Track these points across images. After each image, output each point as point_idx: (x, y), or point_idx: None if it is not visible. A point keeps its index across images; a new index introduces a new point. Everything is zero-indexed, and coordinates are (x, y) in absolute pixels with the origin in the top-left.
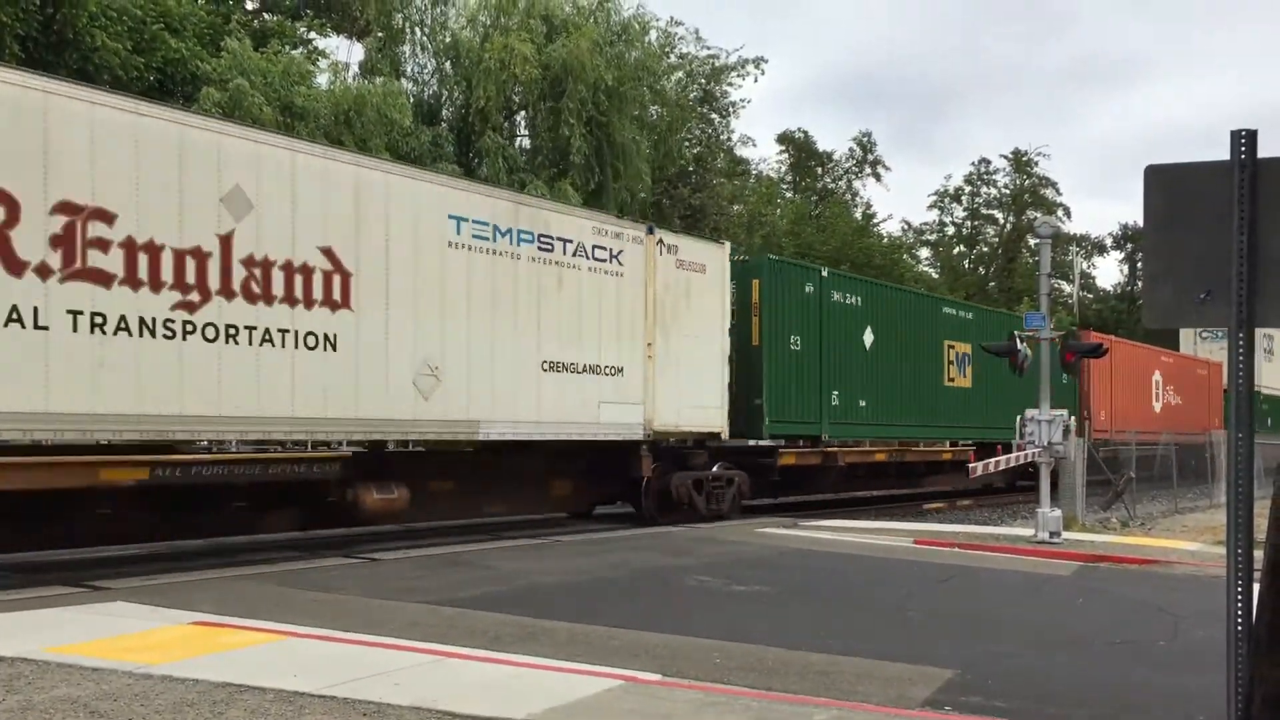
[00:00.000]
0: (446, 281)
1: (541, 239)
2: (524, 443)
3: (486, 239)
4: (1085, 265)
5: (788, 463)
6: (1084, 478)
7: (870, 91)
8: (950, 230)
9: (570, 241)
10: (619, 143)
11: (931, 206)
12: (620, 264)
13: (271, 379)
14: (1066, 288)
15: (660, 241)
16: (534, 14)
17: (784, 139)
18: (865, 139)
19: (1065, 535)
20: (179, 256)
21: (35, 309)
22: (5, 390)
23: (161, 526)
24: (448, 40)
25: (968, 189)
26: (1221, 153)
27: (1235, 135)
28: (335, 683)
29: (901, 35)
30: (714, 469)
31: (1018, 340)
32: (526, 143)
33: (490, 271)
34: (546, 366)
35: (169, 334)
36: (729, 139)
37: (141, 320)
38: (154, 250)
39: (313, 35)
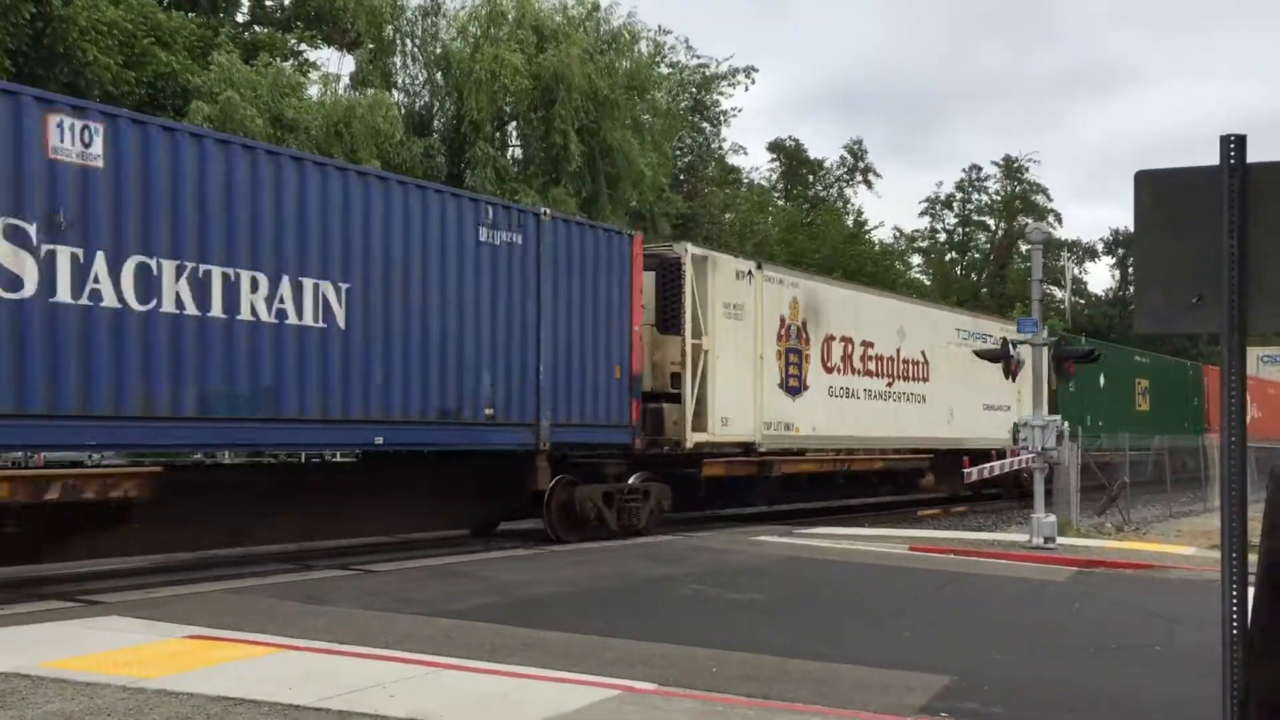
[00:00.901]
0: (952, 364)
1: (979, 335)
2: (952, 450)
3: (964, 338)
4: (1077, 270)
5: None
6: (1078, 483)
7: (862, 100)
8: (942, 237)
9: (991, 335)
10: (613, 150)
11: (923, 213)
12: None
13: (906, 419)
14: (1059, 293)
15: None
16: (524, 24)
17: (775, 147)
18: (856, 146)
19: (1060, 540)
20: (886, 360)
21: (849, 389)
22: (851, 428)
23: (846, 492)
24: (438, 51)
25: (959, 195)
26: (1211, 157)
27: (1224, 140)
28: (330, 695)
29: (893, 44)
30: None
31: (1010, 346)
32: (519, 152)
33: (965, 357)
34: (984, 407)
35: (883, 399)
36: (720, 147)
37: (876, 392)
38: (881, 359)
39: (303, 47)
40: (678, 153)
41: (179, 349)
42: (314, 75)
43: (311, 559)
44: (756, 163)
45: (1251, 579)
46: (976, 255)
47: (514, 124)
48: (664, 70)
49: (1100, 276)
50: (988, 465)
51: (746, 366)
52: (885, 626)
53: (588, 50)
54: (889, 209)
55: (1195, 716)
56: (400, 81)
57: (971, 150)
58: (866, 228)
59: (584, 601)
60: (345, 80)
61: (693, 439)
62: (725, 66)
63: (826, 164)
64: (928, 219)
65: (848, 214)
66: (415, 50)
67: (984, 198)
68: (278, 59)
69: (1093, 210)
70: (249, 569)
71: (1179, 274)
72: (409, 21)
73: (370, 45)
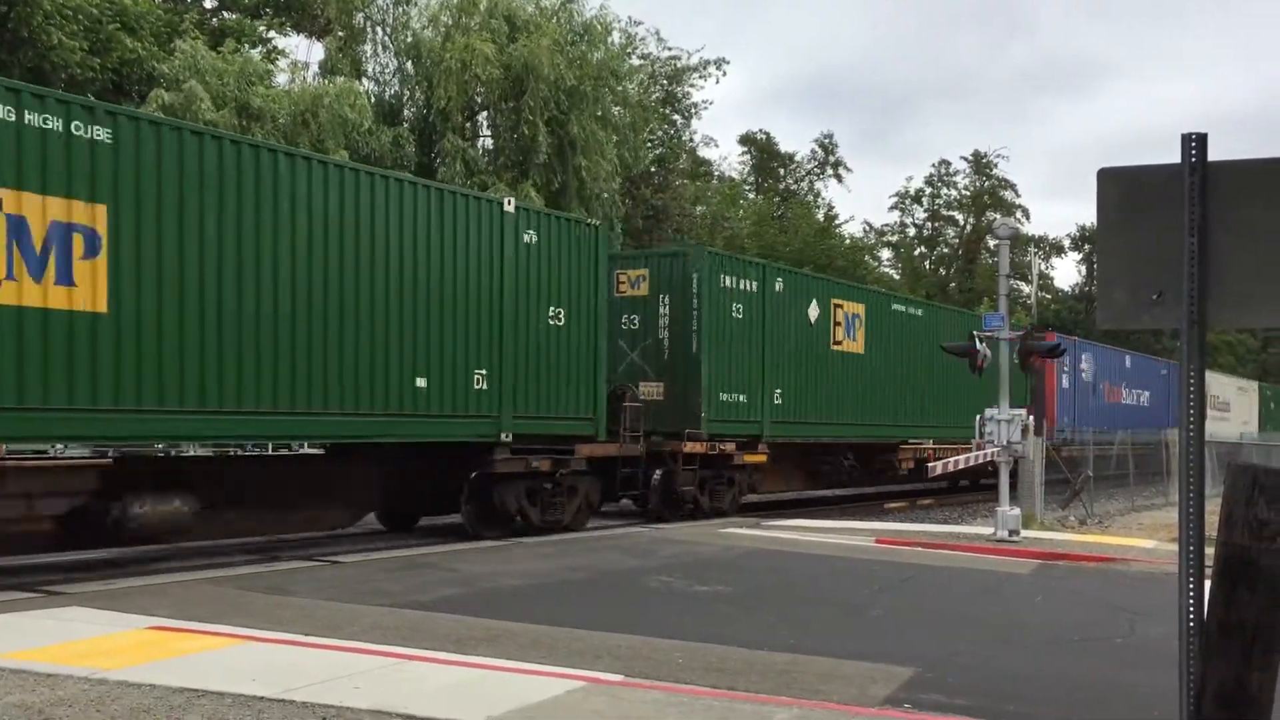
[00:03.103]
0: (1223, 392)
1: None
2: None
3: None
4: (1044, 266)
5: None
6: (1043, 476)
7: (834, 94)
8: (911, 231)
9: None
10: (581, 143)
11: (893, 208)
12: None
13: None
14: (1025, 288)
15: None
16: (496, 14)
17: (746, 140)
18: (827, 140)
19: (1024, 533)
20: (1220, 402)
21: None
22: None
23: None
24: (409, 40)
25: (928, 190)
26: (1175, 156)
27: (1186, 139)
28: (294, 686)
29: (866, 38)
30: None
31: (977, 340)
32: (489, 143)
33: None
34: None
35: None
36: (691, 140)
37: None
38: (1217, 400)
39: (272, 34)
40: (649, 144)
41: None
42: (282, 63)
43: (277, 550)
44: (727, 153)
45: (1209, 573)
46: (945, 250)
47: (484, 114)
48: (635, 62)
49: (1067, 272)
50: (952, 459)
51: None
52: (851, 619)
53: (559, 41)
54: (859, 203)
55: (1153, 707)
56: (370, 70)
57: (942, 144)
58: (837, 222)
59: (551, 593)
60: (314, 68)
61: None
62: (696, 58)
63: (797, 157)
64: (897, 213)
65: (818, 208)
66: (386, 39)
67: (953, 193)
68: (246, 46)
69: (1060, 206)
70: (213, 559)
71: (1140, 270)
72: (380, 9)
73: (340, 33)
